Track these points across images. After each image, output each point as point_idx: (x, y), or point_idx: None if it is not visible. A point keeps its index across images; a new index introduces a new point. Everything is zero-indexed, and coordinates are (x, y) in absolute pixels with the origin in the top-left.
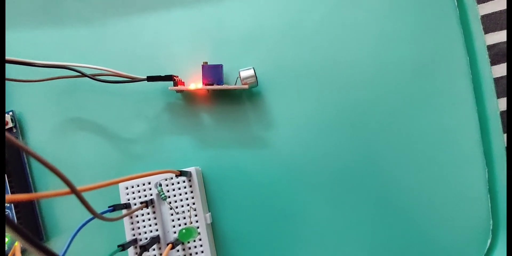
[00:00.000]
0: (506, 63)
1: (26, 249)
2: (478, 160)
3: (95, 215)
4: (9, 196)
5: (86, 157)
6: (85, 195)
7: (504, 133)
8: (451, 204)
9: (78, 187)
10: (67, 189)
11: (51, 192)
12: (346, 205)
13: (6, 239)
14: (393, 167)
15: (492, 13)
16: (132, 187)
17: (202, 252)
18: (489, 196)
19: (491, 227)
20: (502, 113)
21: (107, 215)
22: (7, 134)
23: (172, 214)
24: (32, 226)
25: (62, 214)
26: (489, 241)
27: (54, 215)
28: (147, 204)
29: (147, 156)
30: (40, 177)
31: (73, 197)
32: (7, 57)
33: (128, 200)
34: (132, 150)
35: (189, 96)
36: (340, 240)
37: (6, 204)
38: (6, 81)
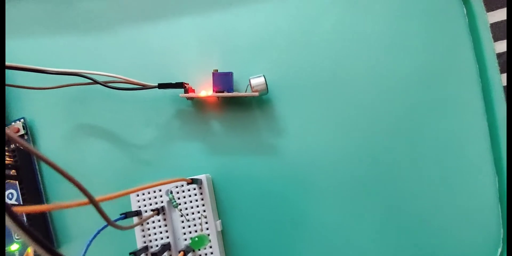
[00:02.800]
0: None
1: (39, 255)
2: (488, 168)
3: (110, 224)
4: (27, 208)
5: (97, 163)
6: None
7: None
8: (461, 212)
9: (96, 197)
10: (85, 200)
11: (70, 203)
12: (355, 213)
13: (17, 246)
14: (402, 175)
15: (502, 21)
16: (143, 194)
17: None
18: (499, 204)
19: (501, 236)
20: None
21: (119, 222)
22: (25, 143)
23: (183, 222)
24: (43, 233)
25: (73, 221)
26: (499, 250)
27: (65, 222)
28: (158, 211)
29: (157, 163)
30: (51, 184)
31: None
32: (19, 65)
33: (139, 207)
34: (143, 157)
35: (199, 103)
36: (350, 248)
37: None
38: (17, 88)
